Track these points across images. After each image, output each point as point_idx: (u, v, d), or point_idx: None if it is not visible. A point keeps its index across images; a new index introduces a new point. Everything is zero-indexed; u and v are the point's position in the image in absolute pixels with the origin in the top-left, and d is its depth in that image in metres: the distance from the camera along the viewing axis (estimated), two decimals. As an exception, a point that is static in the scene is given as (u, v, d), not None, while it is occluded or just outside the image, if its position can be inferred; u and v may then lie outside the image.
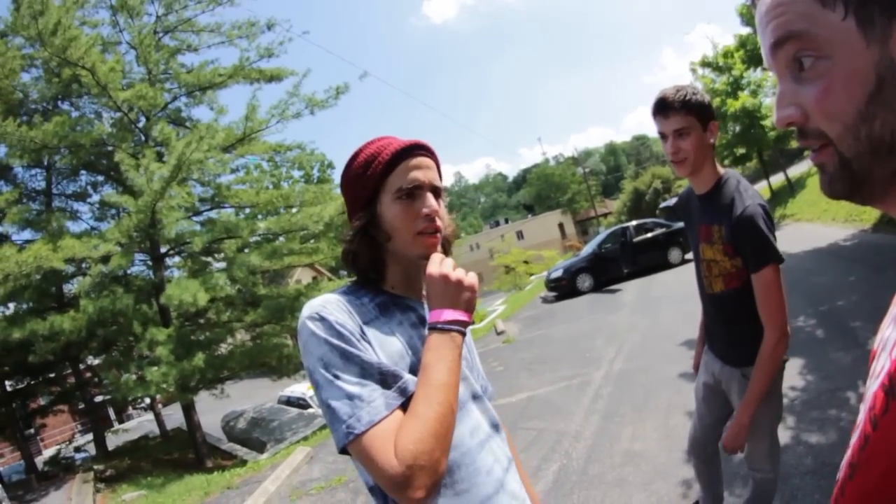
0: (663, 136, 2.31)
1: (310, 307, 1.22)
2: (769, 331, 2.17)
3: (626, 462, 4.55)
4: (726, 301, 2.36)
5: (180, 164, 10.77)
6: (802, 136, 0.66)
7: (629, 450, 4.76)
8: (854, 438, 0.64)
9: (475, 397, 1.40)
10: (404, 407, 1.14)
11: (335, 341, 1.16)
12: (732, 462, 3.82)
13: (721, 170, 2.36)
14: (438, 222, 1.35)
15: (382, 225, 1.33)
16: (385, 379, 1.16)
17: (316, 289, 14.39)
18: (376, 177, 1.32)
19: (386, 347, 1.23)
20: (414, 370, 1.23)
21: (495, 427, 1.42)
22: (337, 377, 1.13)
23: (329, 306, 1.22)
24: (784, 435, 4.05)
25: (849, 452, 0.65)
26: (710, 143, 2.28)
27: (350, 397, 1.11)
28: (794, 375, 5.18)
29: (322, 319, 1.18)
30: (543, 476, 4.73)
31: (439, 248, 1.38)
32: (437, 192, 1.38)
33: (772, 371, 2.19)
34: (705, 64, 25.48)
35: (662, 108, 2.25)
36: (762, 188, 30.59)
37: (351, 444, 1.09)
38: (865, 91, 0.59)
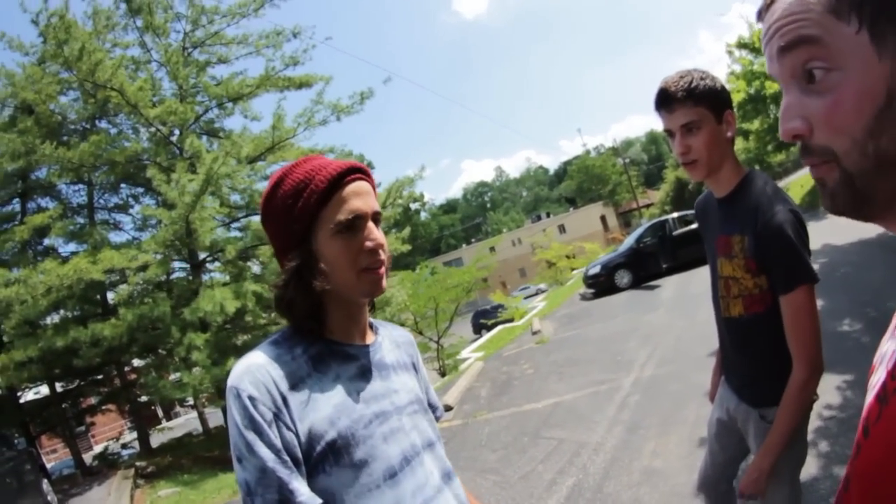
0: (670, 133, 1.98)
1: (233, 374, 1.12)
2: (799, 366, 1.81)
3: (643, 481, 4.41)
4: (746, 328, 2.01)
5: (209, 178, 10.99)
6: (806, 152, 0.64)
7: (649, 467, 4.61)
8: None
9: (429, 446, 1.31)
10: None
11: (243, 429, 1.07)
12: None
13: (744, 168, 2.01)
14: (383, 255, 1.24)
15: (320, 265, 1.19)
16: (280, 487, 1.06)
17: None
18: (310, 208, 1.18)
19: (312, 416, 1.12)
20: (344, 436, 1.13)
21: (447, 476, 1.32)
22: (241, 462, 1.07)
23: (248, 376, 1.10)
24: (815, 464, 3.72)
25: (847, 467, 0.65)
26: (728, 138, 1.94)
27: (248, 492, 1.06)
28: (831, 390, 4.62)
29: (237, 397, 1.09)
30: (557, 491, 4.65)
31: (384, 282, 1.28)
32: (377, 219, 1.26)
33: (800, 412, 1.86)
34: (742, 45, 24.44)
35: (665, 100, 1.93)
36: (803, 175, 29.69)
37: None
38: (875, 106, 0.58)
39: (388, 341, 1.41)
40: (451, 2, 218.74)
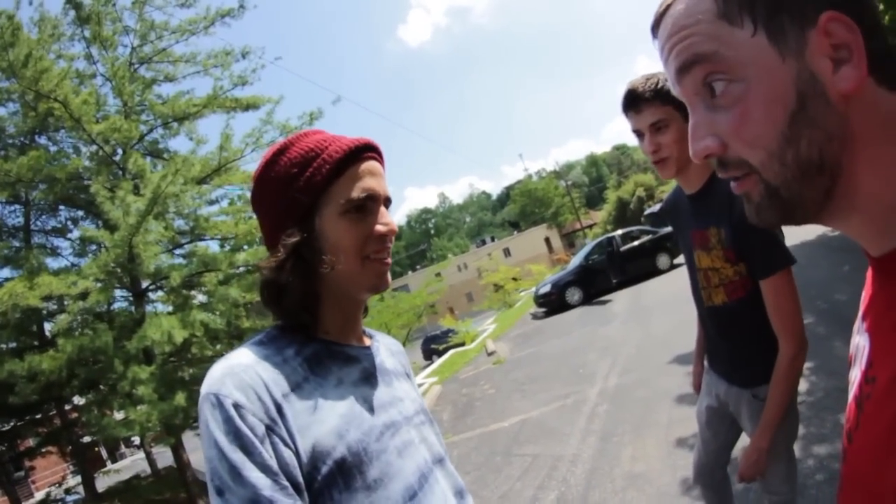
0: (639, 133, 2.02)
1: (210, 378, 0.91)
2: (785, 342, 1.88)
3: (628, 485, 4.33)
4: (730, 314, 2.06)
5: (156, 197, 10.54)
6: (723, 167, 0.62)
7: (631, 472, 4.54)
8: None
9: (439, 461, 1.13)
10: None
11: (227, 447, 0.85)
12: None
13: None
14: (391, 245, 1.10)
15: (322, 246, 1.03)
16: None
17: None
18: (319, 180, 1.02)
19: (315, 429, 0.92)
20: (356, 452, 0.94)
21: (460, 494, 1.15)
22: (222, 495, 0.84)
23: (232, 379, 0.90)
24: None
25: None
26: None
27: None
28: (796, 378, 4.91)
29: (219, 405, 0.87)
30: (541, 506, 4.52)
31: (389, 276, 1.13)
32: (388, 205, 1.12)
33: (791, 387, 1.92)
34: None
35: (633, 101, 1.98)
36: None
37: None
38: (787, 111, 0.55)
39: (383, 347, 1.25)
40: (396, 30, 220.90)
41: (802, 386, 4.77)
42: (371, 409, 1.02)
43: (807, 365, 4.97)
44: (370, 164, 1.08)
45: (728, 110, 0.58)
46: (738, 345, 2.10)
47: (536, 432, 6.39)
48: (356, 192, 1.04)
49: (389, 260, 1.10)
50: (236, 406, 0.87)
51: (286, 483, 0.86)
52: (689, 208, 2.14)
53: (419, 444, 1.08)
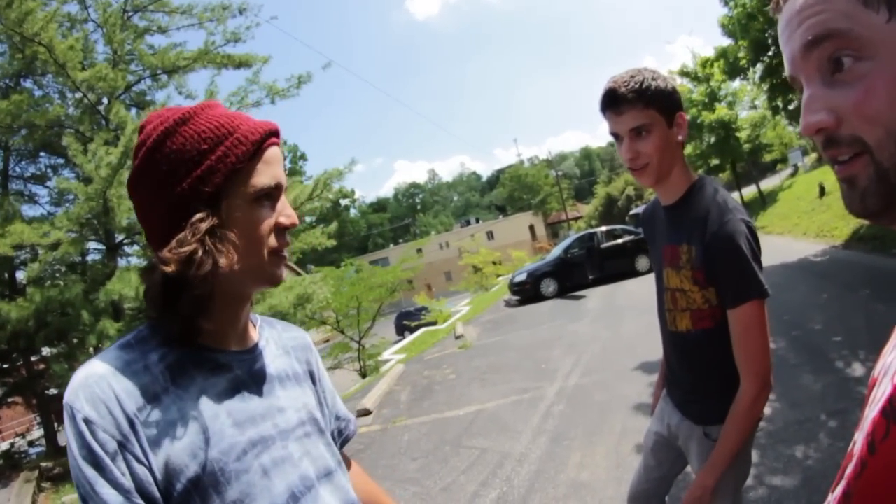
0: (617, 136, 1.82)
1: (70, 386, 0.86)
2: (748, 381, 1.71)
3: (570, 493, 4.32)
4: (692, 343, 1.88)
5: (128, 150, 10.27)
6: (832, 145, 0.59)
7: (575, 479, 4.53)
8: (850, 469, 0.61)
9: (327, 475, 1.07)
10: None
11: (80, 462, 0.83)
12: None
13: (694, 175, 1.88)
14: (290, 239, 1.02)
15: (231, 234, 0.93)
16: None
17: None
18: (232, 162, 0.93)
19: (168, 445, 0.87)
20: (211, 472, 0.89)
21: None
22: (85, 503, 0.83)
23: (85, 391, 0.85)
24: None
25: (843, 483, 0.62)
26: (678, 142, 1.80)
27: None
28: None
29: (71, 419, 0.84)
30: (480, 504, 4.52)
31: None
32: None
33: (747, 429, 1.76)
34: (684, 73, 25.87)
35: (613, 101, 1.76)
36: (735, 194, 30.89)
37: None
38: None
39: (275, 345, 1.15)
40: (404, 0, 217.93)
41: (763, 411, 4.72)
42: (236, 424, 0.95)
43: (771, 393, 5.02)
44: (276, 151, 1.01)
45: (851, 86, 0.57)
46: (697, 376, 1.95)
47: (489, 425, 6.40)
48: (267, 179, 0.96)
49: (287, 253, 1.03)
50: (87, 421, 0.83)
51: (139, 501, 0.83)
52: (664, 220, 1.97)
53: (300, 458, 1.02)
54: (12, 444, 16.55)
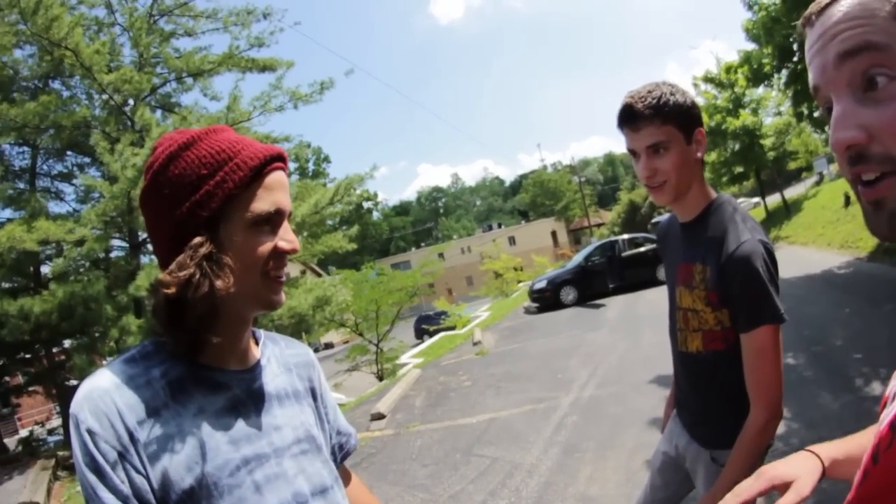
0: (634, 153, 1.78)
1: (76, 397, 0.91)
2: (757, 408, 1.65)
3: (578, 508, 4.29)
4: (703, 365, 1.84)
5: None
6: (860, 161, 0.59)
7: (584, 494, 4.50)
8: (855, 478, 0.63)
9: (321, 492, 1.08)
10: None
11: (83, 468, 0.88)
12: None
13: (713, 193, 1.84)
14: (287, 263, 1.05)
15: (227, 258, 0.96)
16: None
17: (294, 285, 14.06)
18: (231, 186, 0.95)
19: (166, 458, 0.91)
20: (205, 486, 0.92)
21: None
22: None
23: (89, 404, 0.89)
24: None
25: (849, 494, 0.64)
26: (697, 158, 1.75)
27: None
28: (774, 421, 4.78)
29: (76, 428, 0.89)
30: (488, 514, 4.50)
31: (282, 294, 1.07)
32: (289, 220, 1.06)
33: (754, 457, 1.68)
34: (708, 79, 25.56)
35: (630, 117, 1.72)
36: (758, 208, 30.50)
37: None
38: None
39: (276, 363, 1.16)
40: (428, 4, 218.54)
41: (778, 431, 4.55)
42: (231, 442, 0.98)
43: (786, 412, 4.86)
44: (279, 176, 1.02)
45: (885, 104, 0.57)
46: (706, 400, 1.90)
47: (501, 434, 6.37)
48: (266, 205, 0.99)
49: (284, 278, 1.05)
50: (90, 432, 0.88)
51: None
52: (680, 237, 1.92)
53: (294, 476, 1.04)
54: (31, 432, 16.82)
